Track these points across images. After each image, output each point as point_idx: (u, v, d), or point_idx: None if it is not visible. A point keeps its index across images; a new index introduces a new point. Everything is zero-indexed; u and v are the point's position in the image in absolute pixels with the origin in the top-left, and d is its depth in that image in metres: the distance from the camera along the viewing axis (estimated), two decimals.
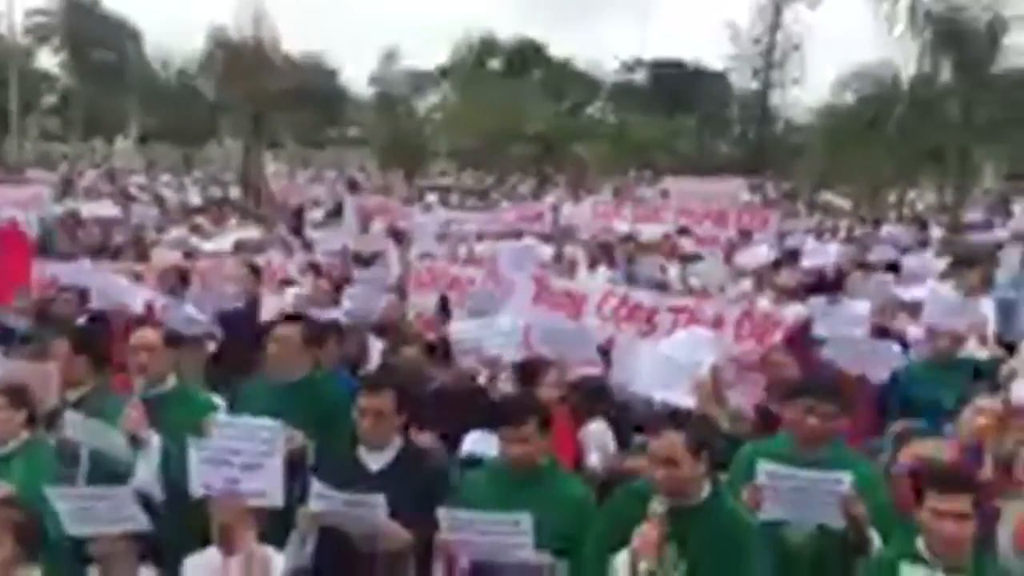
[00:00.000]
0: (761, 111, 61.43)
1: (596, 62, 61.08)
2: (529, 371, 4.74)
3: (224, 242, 10.07)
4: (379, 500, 3.42)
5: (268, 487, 3.49)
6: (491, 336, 5.19)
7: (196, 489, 3.55)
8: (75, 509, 3.41)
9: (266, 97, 21.34)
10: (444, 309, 7.02)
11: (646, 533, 3.20)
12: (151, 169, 35.37)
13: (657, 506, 3.25)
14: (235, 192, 24.56)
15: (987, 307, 7.17)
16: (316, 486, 3.51)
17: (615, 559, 3.29)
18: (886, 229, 15.35)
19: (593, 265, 9.75)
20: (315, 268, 8.54)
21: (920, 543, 3.18)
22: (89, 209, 14.69)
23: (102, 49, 39.20)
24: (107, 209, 15.13)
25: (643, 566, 3.18)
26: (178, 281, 7.35)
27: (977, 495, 3.18)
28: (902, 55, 12.82)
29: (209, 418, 3.92)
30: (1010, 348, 6.31)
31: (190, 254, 9.57)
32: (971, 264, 8.64)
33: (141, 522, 3.42)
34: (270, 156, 40.72)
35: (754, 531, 3.41)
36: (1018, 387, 3.72)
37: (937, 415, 4.45)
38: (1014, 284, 8.59)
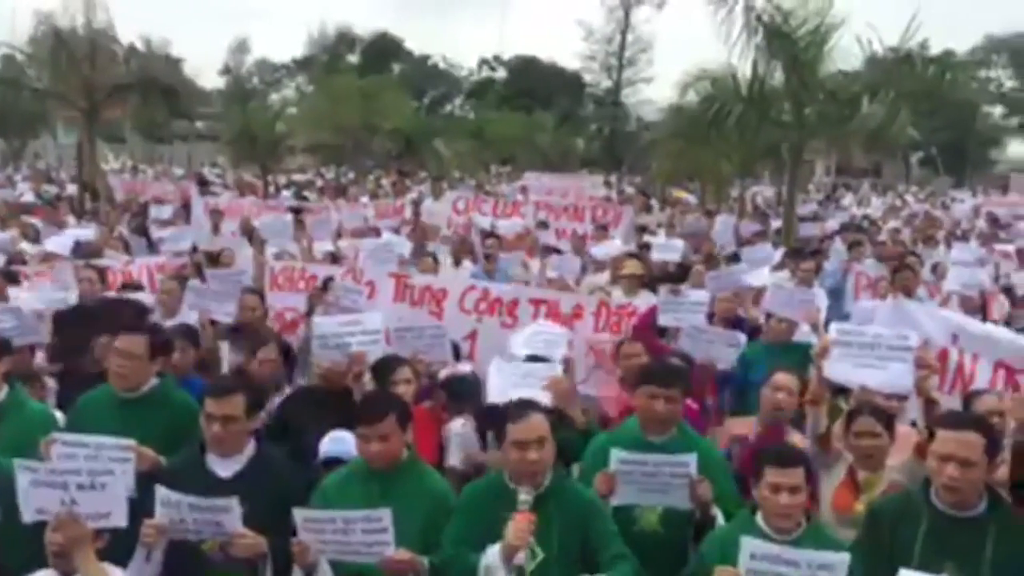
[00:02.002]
0: (614, 109, 63.42)
1: (454, 59, 61.29)
2: (381, 369, 4.72)
3: (59, 243, 9.34)
4: (231, 503, 3.30)
5: (111, 508, 3.23)
6: (356, 334, 5.14)
7: (28, 515, 3.23)
8: None
9: (101, 87, 19.86)
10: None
11: (520, 525, 3.26)
12: None
13: (525, 496, 3.33)
14: (72, 189, 22.93)
15: (819, 295, 7.72)
16: (162, 492, 3.33)
17: (486, 554, 3.33)
18: (722, 219, 16.22)
19: (458, 261, 9.77)
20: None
21: (759, 517, 3.42)
22: None
23: None
24: None
25: (521, 556, 3.24)
26: (5, 286, 6.79)
27: (808, 468, 3.46)
28: (739, 58, 13.54)
29: (46, 432, 3.69)
30: None
31: (14, 259, 8.80)
32: (802, 254, 9.26)
33: None
34: (110, 152, 38.34)
35: (600, 506, 3.58)
36: (828, 365, 4.06)
37: None
38: (841, 272, 9.32)
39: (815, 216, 19.50)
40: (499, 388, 4.64)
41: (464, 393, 5.30)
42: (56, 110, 27.98)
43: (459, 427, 5.13)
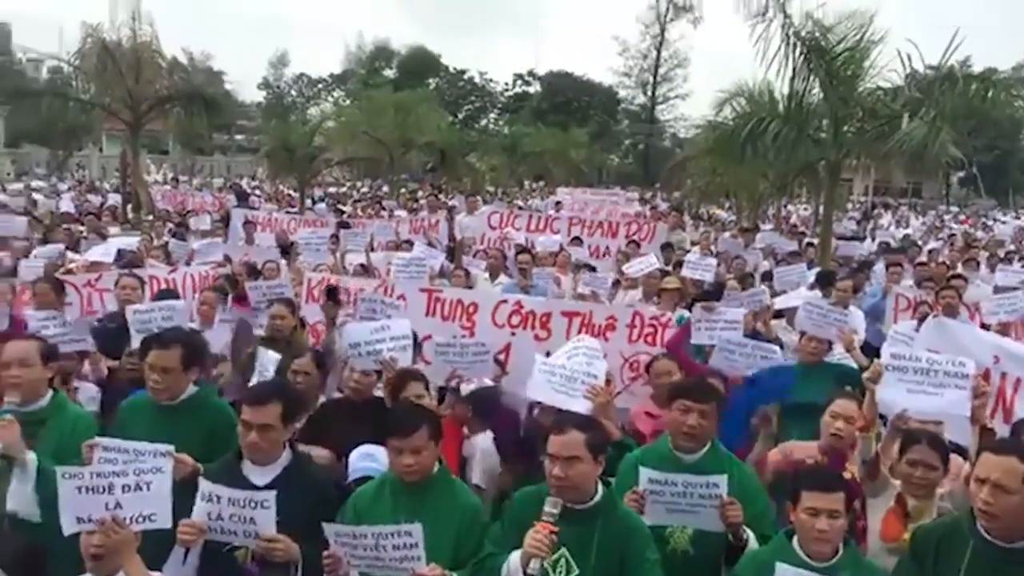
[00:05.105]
0: (649, 125, 63.09)
1: (490, 74, 61.56)
2: (395, 382, 4.74)
3: (103, 252, 9.52)
4: (269, 496, 3.33)
5: (156, 509, 3.25)
6: (386, 340, 5.18)
7: (68, 526, 3.18)
8: None
9: (145, 100, 20.35)
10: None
11: (538, 533, 3.24)
12: (22, 175, 33.33)
13: (550, 508, 3.31)
14: (115, 200, 23.44)
15: (855, 315, 7.59)
16: (204, 485, 3.38)
17: (508, 559, 3.33)
18: (761, 236, 16.08)
19: (494, 276, 9.77)
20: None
21: (795, 543, 3.36)
22: None
23: None
24: None
25: (534, 565, 3.22)
26: (54, 293, 6.91)
27: (848, 494, 3.39)
28: (777, 74, 13.43)
29: (88, 437, 3.75)
30: (877, 354, 6.69)
31: (61, 265, 9.03)
32: (838, 275, 9.13)
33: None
34: (152, 163, 39.11)
35: (646, 534, 3.51)
36: (880, 390, 3.94)
37: (807, 416, 4.66)
38: (881, 293, 9.17)
39: (854, 236, 19.22)
40: (540, 387, 4.62)
41: (489, 407, 5.28)
42: (101, 122, 28.64)
43: (485, 443, 5.12)
